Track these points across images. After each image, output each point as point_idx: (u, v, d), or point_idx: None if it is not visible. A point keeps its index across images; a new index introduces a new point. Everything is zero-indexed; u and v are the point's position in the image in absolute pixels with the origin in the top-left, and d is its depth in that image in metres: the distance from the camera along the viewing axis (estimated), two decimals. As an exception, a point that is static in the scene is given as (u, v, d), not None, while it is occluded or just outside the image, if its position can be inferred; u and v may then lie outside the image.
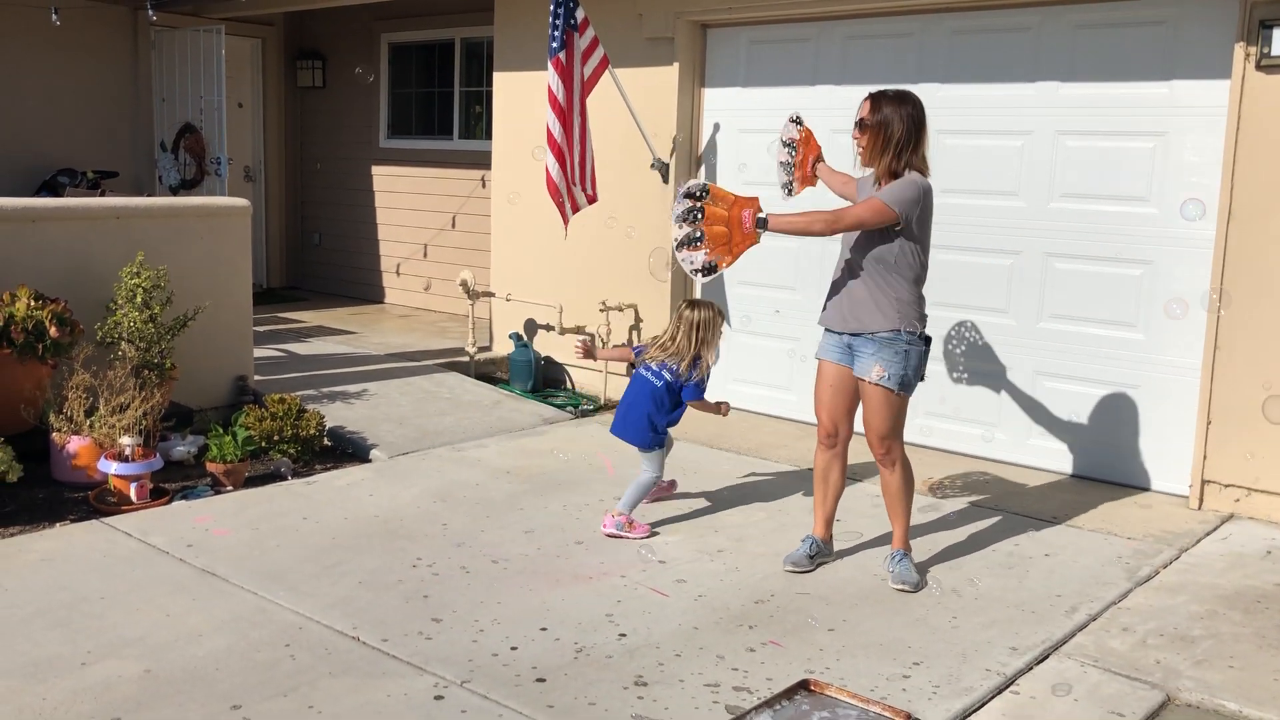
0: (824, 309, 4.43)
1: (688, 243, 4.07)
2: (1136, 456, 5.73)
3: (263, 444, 5.78)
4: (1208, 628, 4.04)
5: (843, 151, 6.49)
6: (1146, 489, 5.68)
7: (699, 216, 4.08)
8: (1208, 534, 5.06)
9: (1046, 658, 3.79)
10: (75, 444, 5.29)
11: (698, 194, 4.11)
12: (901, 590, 4.30)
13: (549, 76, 6.57)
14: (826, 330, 4.41)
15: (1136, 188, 5.64)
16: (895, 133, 4.15)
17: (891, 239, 4.18)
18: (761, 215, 4.13)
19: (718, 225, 4.10)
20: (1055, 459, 6.00)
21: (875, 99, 4.22)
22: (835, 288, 4.36)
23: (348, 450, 6.12)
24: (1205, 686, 3.58)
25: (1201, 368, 5.39)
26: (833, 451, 4.48)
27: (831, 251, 6.37)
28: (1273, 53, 5.01)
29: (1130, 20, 5.62)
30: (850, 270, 4.27)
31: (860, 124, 4.23)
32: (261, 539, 4.70)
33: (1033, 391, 6.07)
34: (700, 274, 4.10)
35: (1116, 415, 5.78)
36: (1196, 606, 4.23)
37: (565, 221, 6.92)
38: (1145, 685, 3.59)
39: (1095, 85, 5.74)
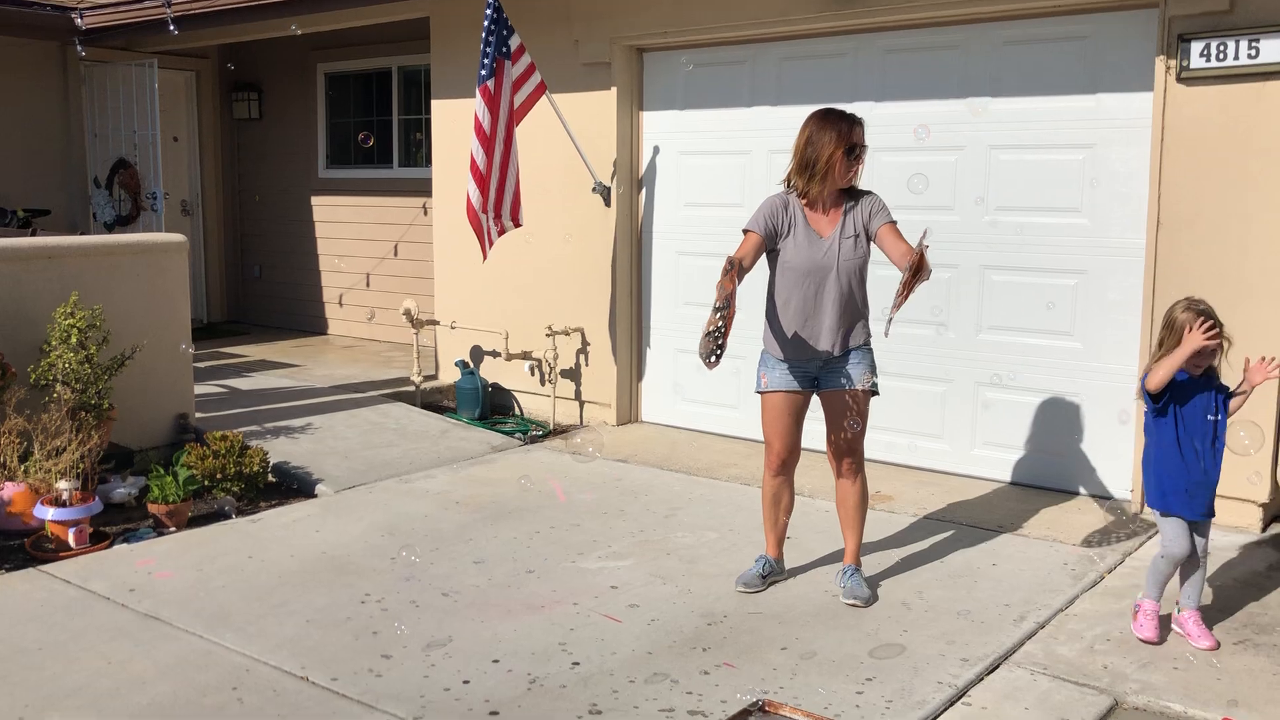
0: (791, 341, 4.29)
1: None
2: (1078, 462, 5.83)
3: (206, 483, 5.69)
4: (1152, 630, 4.10)
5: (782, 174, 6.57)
6: (1089, 494, 5.78)
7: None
8: (1150, 536, 5.15)
9: (997, 667, 3.83)
10: (9, 490, 5.17)
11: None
12: (853, 605, 4.33)
13: (476, 104, 6.58)
14: (790, 361, 4.32)
15: (1068, 199, 5.75)
16: None
17: (866, 252, 4.31)
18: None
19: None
20: (999, 468, 6.08)
21: (862, 123, 4.26)
22: (820, 316, 4.25)
23: (293, 486, 6.04)
24: (1151, 689, 3.64)
25: (1138, 374, 5.49)
26: (784, 477, 4.50)
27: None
28: (1191, 65, 5.14)
29: (1055, 36, 5.74)
30: (839, 293, 4.24)
31: (864, 148, 4.26)
32: (206, 580, 4.61)
33: (975, 402, 6.15)
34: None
35: (1057, 423, 5.88)
36: (1141, 610, 4.30)
37: (483, 248, 6.93)
38: (1093, 691, 3.64)
39: (1024, 100, 5.86)
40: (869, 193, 4.35)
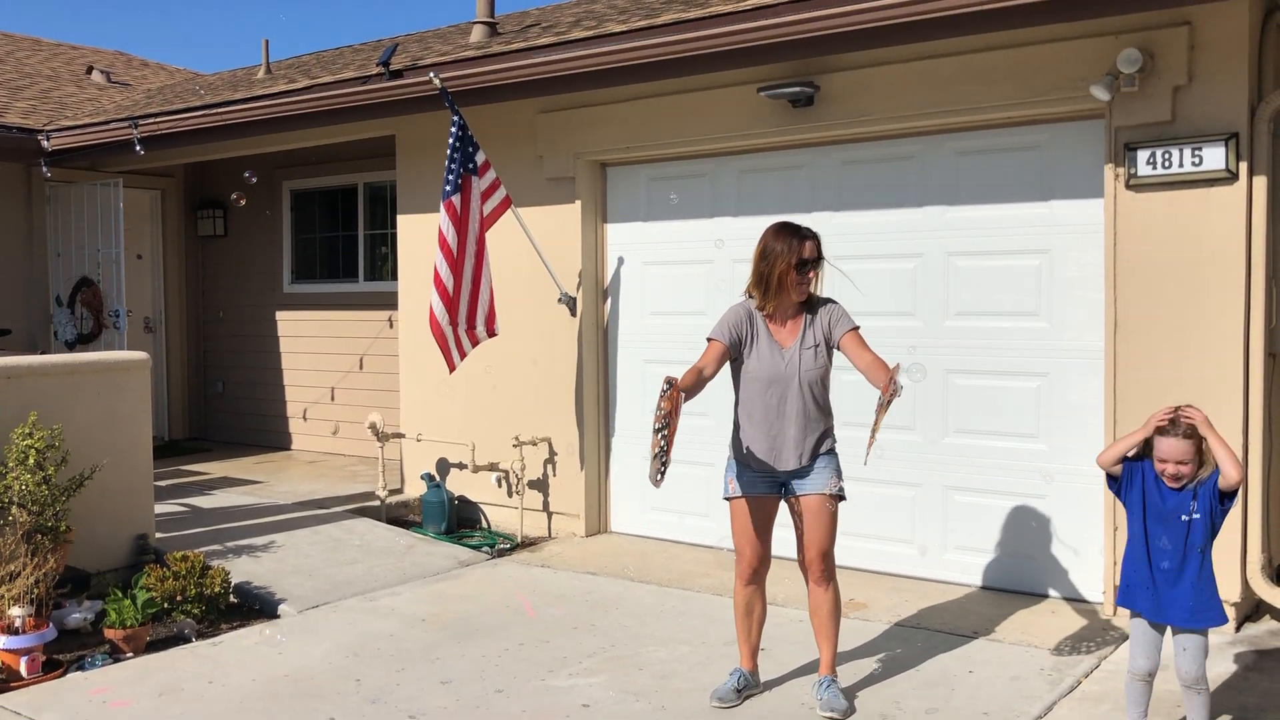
0: (757, 450, 4.30)
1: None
2: (1049, 565, 5.81)
3: (165, 605, 5.54)
4: (1133, 736, 4.04)
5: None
6: (1062, 597, 5.75)
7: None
8: (1124, 639, 5.11)
9: (978, 779, 3.75)
10: (-39, 618, 5.01)
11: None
12: (830, 718, 4.24)
13: (440, 219, 6.66)
14: (757, 469, 4.33)
15: (1026, 303, 5.85)
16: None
17: (829, 359, 4.35)
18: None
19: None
20: (971, 573, 6.05)
21: (814, 236, 4.32)
22: (784, 427, 4.26)
23: (255, 606, 5.89)
24: (1136, 798, 3.57)
25: (1104, 475, 5.51)
26: (755, 586, 4.45)
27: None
28: (1139, 173, 5.30)
29: (1007, 146, 5.92)
30: (801, 404, 4.26)
31: (817, 262, 4.30)
32: (164, 708, 4.46)
33: (944, 506, 6.15)
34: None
35: (1027, 525, 5.88)
36: (1120, 715, 4.24)
37: (449, 360, 6.92)
38: (1077, 801, 3.56)
39: (979, 208, 6.00)
40: (830, 301, 4.41)
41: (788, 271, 4.25)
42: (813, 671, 4.56)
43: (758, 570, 4.42)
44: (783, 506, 4.43)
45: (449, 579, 6.38)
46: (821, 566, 4.36)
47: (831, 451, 4.38)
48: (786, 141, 6.55)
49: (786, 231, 4.31)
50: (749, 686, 4.48)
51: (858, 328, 4.34)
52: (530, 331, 7.54)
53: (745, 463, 4.35)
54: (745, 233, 6.68)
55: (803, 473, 4.32)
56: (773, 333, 4.33)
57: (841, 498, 4.37)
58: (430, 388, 8.07)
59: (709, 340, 4.32)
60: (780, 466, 4.30)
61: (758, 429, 4.30)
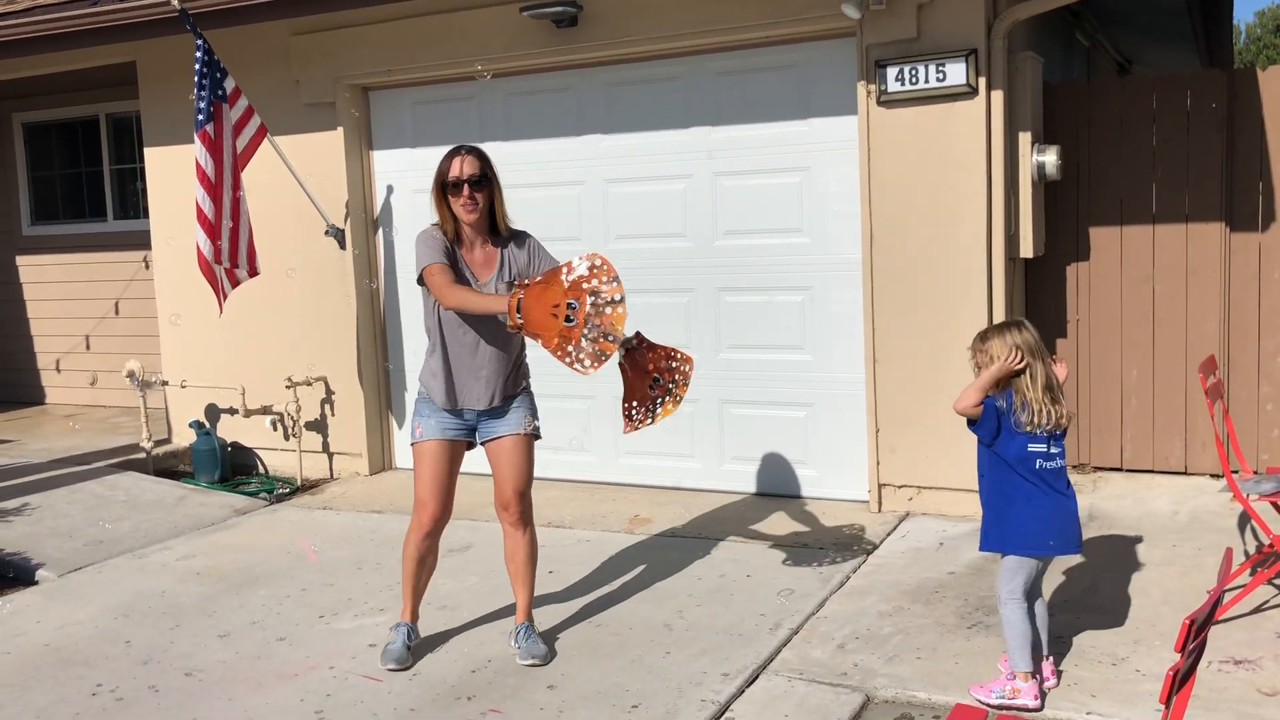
0: (451, 390, 4.08)
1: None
2: (820, 469, 6.10)
3: (-99, 583, 5.10)
4: (896, 624, 4.32)
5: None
6: (833, 499, 6.04)
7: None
8: (889, 534, 5.44)
9: (756, 678, 3.92)
10: None
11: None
12: (533, 665, 4.09)
13: (196, 151, 6.26)
14: (446, 411, 4.11)
15: (789, 220, 6.03)
16: (499, 187, 4.10)
17: None
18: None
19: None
20: (748, 481, 6.28)
21: (475, 153, 4.04)
22: (476, 367, 4.05)
23: (8, 575, 5.49)
24: (898, 681, 3.82)
25: (865, 381, 5.81)
26: (434, 539, 4.22)
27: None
28: (889, 90, 5.51)
29: (766, 65, 6.02)
30: (493, 344, 4.05)
31: (477, 180, 3.99)
32: (-95, 693, 4.12)
33: (721, 420, 6.34)
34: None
35: (798, 433, 6.13)
36: (885, 605, 4.52)
37: (219, 300, 6.60)
38: (846, 689, 3.79)
39: (742, 127, 6.10)
40: (526, 235, 4.20)
41: (438, 192, 4.02)
42: (603, 588, 4.64)
43: (439, 522, 4.17)
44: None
45: (225, 529, 6.13)
46: (519, 508, 4.17)
47: (526, 391, 4.22)
48: (553, 63, 6.45)
49: (449, 153, 4.05)
50: (417, 638, 4.26)
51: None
52: (298, 268, 7.23)
53: (439, 402, 4.11)
54: (516, 157, 6.57)
55: (497, 413, 4.14)
56: (468, 263, 4.07)
57: (537, 436, 4.22)
58: (193, 331, 7.65)
59: (428, 267, 3.94)
60: (473, 406, 4.10)
61: (453, 366, 4.07)
